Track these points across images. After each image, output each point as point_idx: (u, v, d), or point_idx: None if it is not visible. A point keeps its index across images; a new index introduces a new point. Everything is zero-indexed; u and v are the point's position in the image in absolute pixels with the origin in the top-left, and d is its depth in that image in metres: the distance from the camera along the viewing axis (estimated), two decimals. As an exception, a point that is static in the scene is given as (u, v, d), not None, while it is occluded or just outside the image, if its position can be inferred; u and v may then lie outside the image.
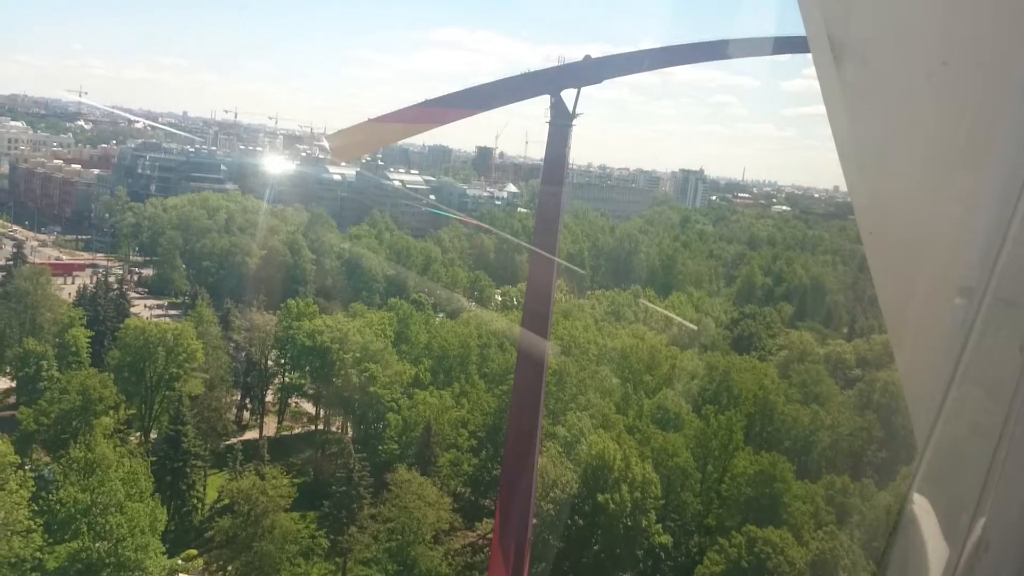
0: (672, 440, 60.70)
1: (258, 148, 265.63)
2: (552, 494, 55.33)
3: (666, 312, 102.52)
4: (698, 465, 61.21)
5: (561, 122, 44.37)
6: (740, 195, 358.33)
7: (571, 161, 52.51)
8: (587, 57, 43.47)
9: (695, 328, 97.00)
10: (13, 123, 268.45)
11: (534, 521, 52.60)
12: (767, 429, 67.56)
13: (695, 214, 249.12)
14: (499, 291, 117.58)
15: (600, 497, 54.42)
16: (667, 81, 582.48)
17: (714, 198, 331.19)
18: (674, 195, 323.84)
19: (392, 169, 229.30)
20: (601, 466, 55.88)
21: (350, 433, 78.98)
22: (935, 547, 3.06)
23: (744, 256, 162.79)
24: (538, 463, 51.58)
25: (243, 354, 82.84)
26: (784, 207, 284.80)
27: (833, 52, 3.09)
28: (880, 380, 71.52)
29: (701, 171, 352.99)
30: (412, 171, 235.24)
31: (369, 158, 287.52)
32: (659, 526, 55.89)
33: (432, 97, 42.05)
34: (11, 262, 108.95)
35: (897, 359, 3.55)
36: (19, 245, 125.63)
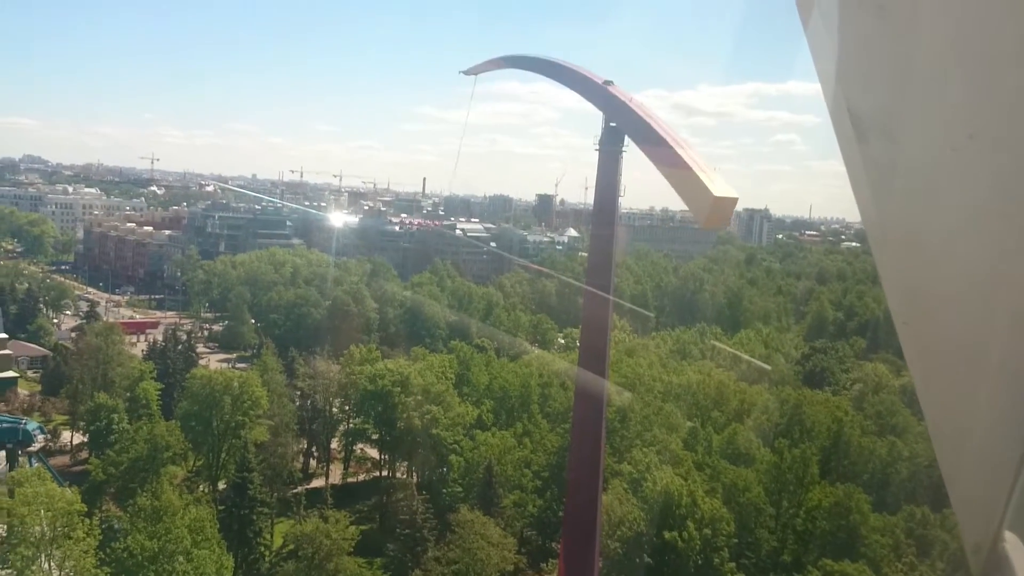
0: (744, 475, 58.79)
1: (323, 205, 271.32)
2: (619, 532, 53.82)
3: (733, 350, 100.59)
4: (772, 500, 59.11)
5: (611, 148, 44.14)
6: (807, 232, 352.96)
7: (623, 200, 52.24)
8: (607, 82, 43.68)
9: (766, 366, 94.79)
10: (87, 190, 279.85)
11: (600, 562, 51.19)
12: (843, 462, 65.20)
13: (761, 252, 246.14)
14: (561, 334, 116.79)
15: (668, 535, 52.73)
16: (724, 122, 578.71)
17: (780, 236, 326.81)
18: (739, 234, 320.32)
19: (453, 218, 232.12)
20: (668, 503, 54.30)
21: (415, 478, 78.52)
22: None
23: (813, 291, 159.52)
24: (602, 501, 50.33)
25: (308, 402, 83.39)
26: (853, 243, 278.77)
27: (854, 128, 2.92)
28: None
29: (766, 210, 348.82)
30: (473, 220, 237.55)
31: (431, 208, 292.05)
32: (732, 564, 53.82)
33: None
34: (84, 321, 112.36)
35: (925, 400, 3.27)
36: (92, 305, 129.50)
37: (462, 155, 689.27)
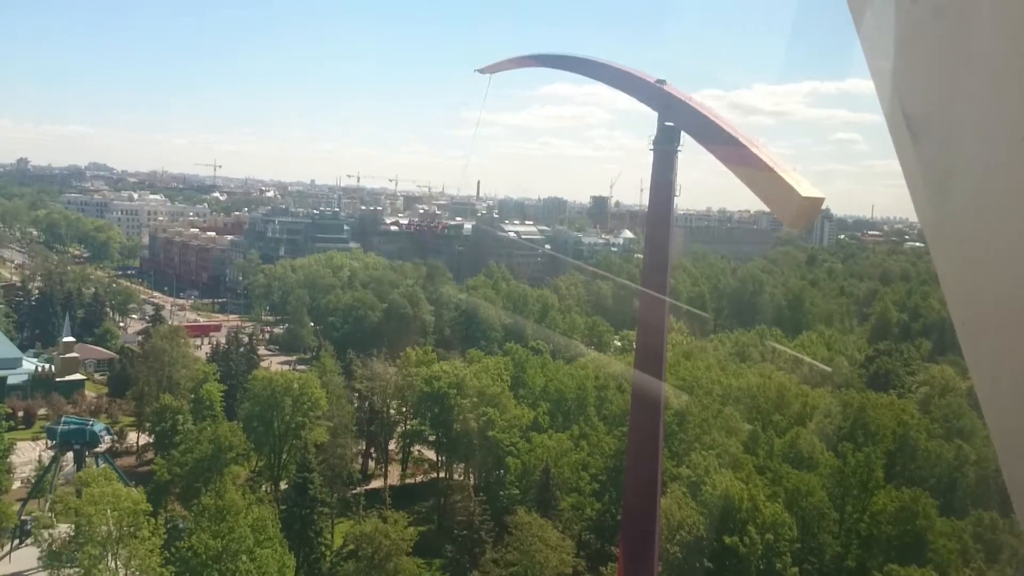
0: (806, 479, 57.74)
1: (379, 208, 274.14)
2: (678, 537, 53.22)
3: (794, 352, 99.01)
4: (835, 505, 57.93)
5: (666, 148, 43.63)
6: (870, 232, 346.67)
7: (679, 201, 51.39)
8: (660, 81, 43.00)
9: (827, 369, 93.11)
10: (152, 196, 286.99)
11: (660, 566, 50.70)
12: (909, 466, 63.71)
13: (822, 253, 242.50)
14: (617, 336, 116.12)
15: (728, 539, 52.01)
16: (782, 122, 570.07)
17: (842, 237, 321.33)
18: (799, 235, 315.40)
19: (507, 221, 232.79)
20: (728, 507, 53.56)
21: (472, 479, 78.73)
22: None
23: (877, 292, 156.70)
24: (660, 505, 49.82)
25: (366, 403, 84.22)
26: (917, 243, 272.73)
27: (910, 129, 2.87)
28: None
29: (827, 210, 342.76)
30: (527, 222, 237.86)
31: (485, 211, 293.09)
32: (795, 569, 52.84)
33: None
34: (150, 324, 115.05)
35: (986, 404, 3.20)
36: (157, 309, 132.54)
37: (515, 157, 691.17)
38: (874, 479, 58.26)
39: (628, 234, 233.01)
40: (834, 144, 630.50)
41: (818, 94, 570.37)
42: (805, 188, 32.75)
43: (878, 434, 65.34)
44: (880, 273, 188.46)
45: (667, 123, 43.31)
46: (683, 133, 43.34)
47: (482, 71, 57.59)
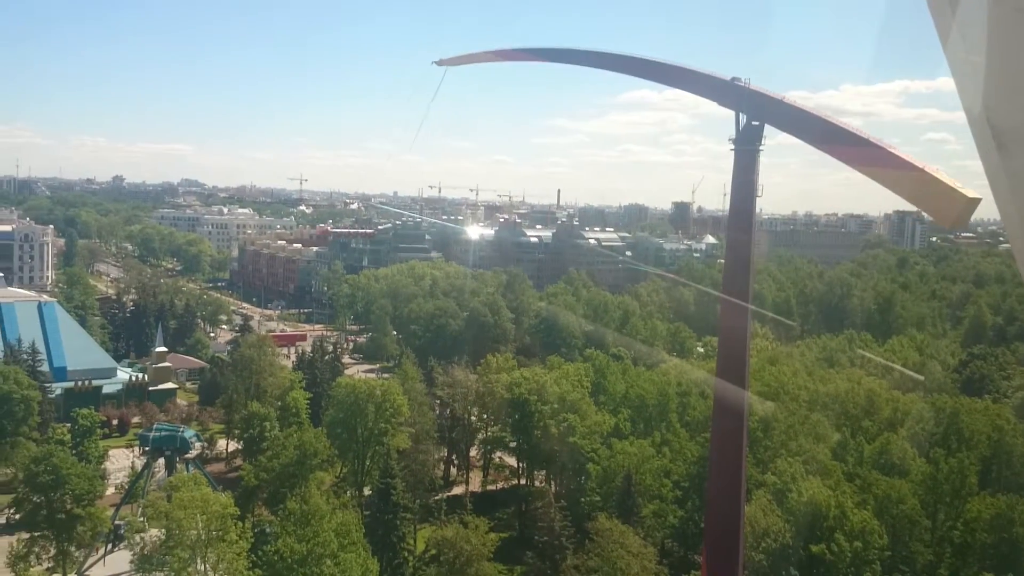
0: (897, 486, 55.89)
1: (460, 218, 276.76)
2: (763, 544, 52.07)
3: (883, 358, 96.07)
4: (927, 512, 56.01)
5: (748, 147, 42.85)
6: (963, 234, 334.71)
7: (763, 204, 49.96)
8: (735, 79, 41.96)
9: (918, 376, 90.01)
10: (241, 210, 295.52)
11: (744, 574, 49.69)
12: (1005, 473, 61.15)
13: (913, 256, 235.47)
14: (700, 343, 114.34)
15: (815, 548, 50.64)
16: (870, 122, 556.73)
17: (934, 239, 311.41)
18: (889, 238, 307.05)
19: (587, 229, 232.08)
20: (815, 514, 52.18)
21: (553, 486, 78.48)
22: None
23: (970, 295, 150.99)
24: (744, 512, 48.86)
25: (447, 410, 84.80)
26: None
27: (995, 140, 2.80)
28: None
29: (919, 212, 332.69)
30: (607, 229, 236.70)
31: (565, 219, 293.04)
32: (886, 579, 51.21)
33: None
34: (239, 334, 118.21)
35: None
36: (246, 319, 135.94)
37: (596, 164, 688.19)
38: (968, 486, 56.28)
39: (711, 240, 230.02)
40: (925, 145, 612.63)
41: (909, 93, 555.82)
42: (966, 189, 31.63)
43: (972, 440, 63.04)
44: (973, 275, 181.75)
45: (754, 122, 42.39)
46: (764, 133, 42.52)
47: (440, 63, 54.71)
